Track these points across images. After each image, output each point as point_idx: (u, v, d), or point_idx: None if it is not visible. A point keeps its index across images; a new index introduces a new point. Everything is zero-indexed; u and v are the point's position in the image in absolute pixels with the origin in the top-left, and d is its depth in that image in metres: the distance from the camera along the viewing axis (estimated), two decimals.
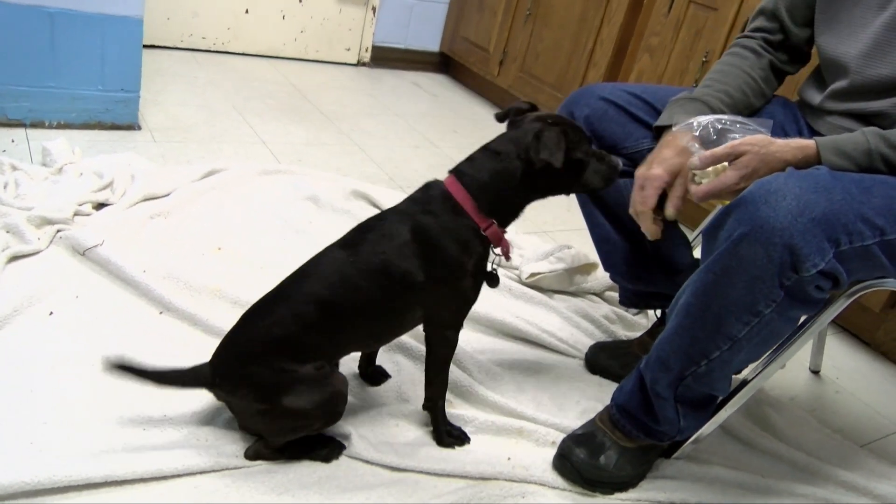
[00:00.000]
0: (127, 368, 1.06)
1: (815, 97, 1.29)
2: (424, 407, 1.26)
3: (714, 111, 1.23)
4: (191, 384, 1.11)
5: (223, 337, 1.12)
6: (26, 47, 1.97)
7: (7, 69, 1.98)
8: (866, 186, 0.99)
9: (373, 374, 1.38)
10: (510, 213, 1.16)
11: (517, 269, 1.85)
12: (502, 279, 1.78)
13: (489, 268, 1.19)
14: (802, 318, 1.19)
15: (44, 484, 0.99)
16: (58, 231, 1.56)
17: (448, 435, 1.26)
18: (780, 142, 1.06)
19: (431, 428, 1.27)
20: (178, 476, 1.08)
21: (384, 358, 1.41)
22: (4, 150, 1.92)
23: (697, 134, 1.13)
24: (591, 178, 1.15)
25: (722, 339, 1.05)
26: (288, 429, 1.11)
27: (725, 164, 1.07)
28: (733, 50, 1.36)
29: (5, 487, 0.97)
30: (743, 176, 1.04)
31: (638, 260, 1.46)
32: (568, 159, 1.08)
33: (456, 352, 1.44)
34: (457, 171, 1.13)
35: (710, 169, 1.08)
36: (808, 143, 1.06)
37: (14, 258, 1.46)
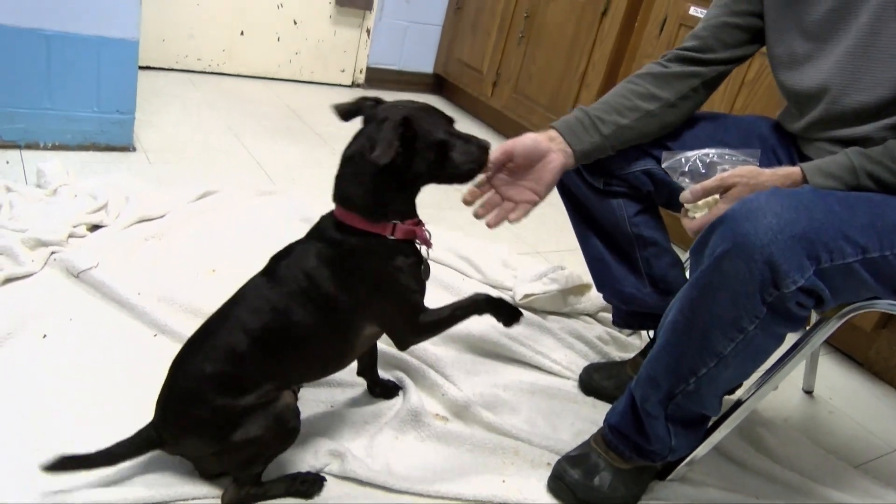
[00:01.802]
0: (68, 463, 0.99)
1: (796, 125, 1.31)
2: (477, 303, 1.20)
3: (590, 119, 1.27)
4: (139, 451, 1.05)
5: (158, 394, 1.07)
6: (22, 69, 1.99)
7: (2, 90, 1.99)
8: (850, 205, 1.01)
9: (384, 389, 1.39)
10: (403, 205, 1.11)
11: (511, 290, 1.86)
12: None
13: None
14: (794, 339, 1.20)
15: None
16: (52, 253, 1.56)
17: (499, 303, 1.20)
18: (768, 171, 1.09)
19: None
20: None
21: (385, 375, 1.42)
22: None
23: (686, 169, 1.15)
24: (457, 160, 1.08)
25: (708, 355, 1.06)
26: (246, 460, 1.06)
27: (717, 196, 1.10)
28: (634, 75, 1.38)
29: None
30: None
31: (630, 281, 1.47)
32: (417, 148, 1.04)
33: (450, 373, 1.45)
34: (334, 196, 1.10)
35: (702, 202, 1.10)
36: (793, 171, 1.09)
37: (8, 280, 1.47)
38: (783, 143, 1.35)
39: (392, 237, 1.08)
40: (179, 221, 1.81)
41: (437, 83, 3.85)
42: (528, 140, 1.23)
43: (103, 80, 2.11)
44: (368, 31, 3.53)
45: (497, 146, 1.19)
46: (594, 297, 1.83)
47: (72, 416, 1.18)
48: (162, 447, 1.06)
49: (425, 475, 1.22)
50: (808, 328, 1.24)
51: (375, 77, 3.66)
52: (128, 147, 2.21)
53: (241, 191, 2.05)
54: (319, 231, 1.11)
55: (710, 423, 1.25)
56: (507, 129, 3.37)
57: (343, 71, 3.59)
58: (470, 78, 3.47)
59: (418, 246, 1.14)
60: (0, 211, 1.69)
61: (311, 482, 1.15)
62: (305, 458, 1.19)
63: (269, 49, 3.35)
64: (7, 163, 1.98)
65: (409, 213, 1.12)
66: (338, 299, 1.07)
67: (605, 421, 1.27)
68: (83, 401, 1.21)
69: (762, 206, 0.97)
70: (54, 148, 2.10)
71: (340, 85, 3.62)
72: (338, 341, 1.12)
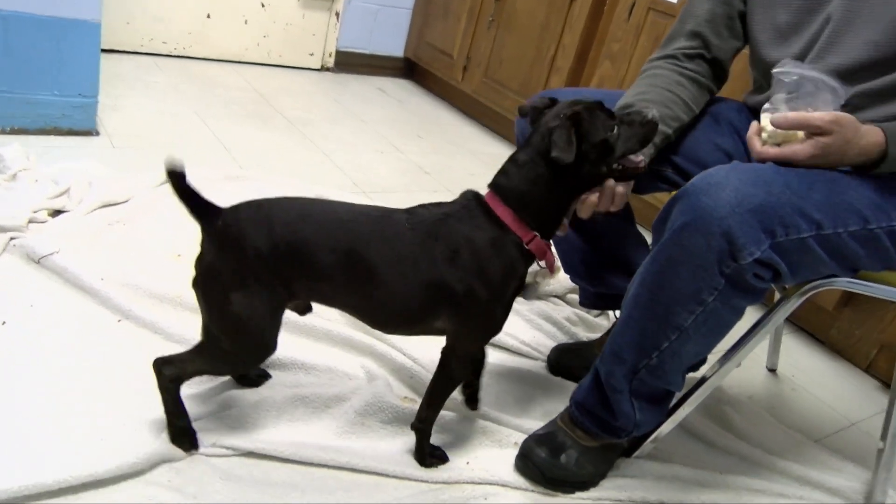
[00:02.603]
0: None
1: (761, 97, 1.32)
2: (413, 427, 1.22)
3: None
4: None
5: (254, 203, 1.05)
6: None
7: None
8: (809, 182, 1.02)
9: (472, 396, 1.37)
10: (552, 220, 1.10)
11: None
12: None
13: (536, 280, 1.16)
14: (757, 316, 1.22)
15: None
16: (11, 239, 1.53)
17: (431, 456, 1.23)
18: (863, 129, 1.03)
19: (414, 448, 1.23)
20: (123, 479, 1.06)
21: (355, 363, 1.41)
22: None
23: (793, 87, 1.05)
24: (624, 147, 1.07)
25: (670, 328, 1.08)
26: (209, 348, 1.07)
27: (801, 134, 1.03)
28: (651, 72, 1.33)
29: None
30: (815, 156, 1.02)
31: (596, 261, 1.48)
32: (589, 145, 1.03)
33: (418, 353, 1.46)
34: (494, 185, 1.08)
35: (783, 132, 1.03)
36: (877, 132, 1.04)
37: None
38: (746, 123, 1.35)
39: (527, 246, 1.07)
40: (144, 206, 1.79)
41: (407, 67, 3.82)
42: None
43: (65, 62, 2.06)
44: (338, 14, 3.49)
45: None
46: (562, 279, 1.85)
47: (33, 404, 1.16)
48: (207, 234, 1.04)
49: (391, 457, 1.23)
50: (770, 306, 1.26)
51: (345, 61, 3.63)
52: (91, 131, 2.17)
53: (208, 175, 2.03)
54: (469, 207, 1.07)
55: (675, 401, 1.28)
56: (479, 113, 3.37)
57: (312, 55, 3.55)
58: (440, 62, 3.46)
59: (539, 266, 1.13)
60: None
61: (190, 437, 1.14)
62: (259, 436, 1.19)
63: (236, 32, 3.30)
64: None
65: (551, 230, 1.11)
66: (447, 278, 1.04)
67: (571, 399, 1.28)
68: (45, 388, 1.19)
69: (721, 181, 0.98)
70: (14, 132, 2.05)
71: (310, 69, 3.58)
72: (410, 312, 1.08)
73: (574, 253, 1.49)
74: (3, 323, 1.31)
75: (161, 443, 1.11)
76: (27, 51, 1.99)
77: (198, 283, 1.04)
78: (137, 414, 1.18)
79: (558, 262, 1.13)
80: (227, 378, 1.31)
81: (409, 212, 1.08)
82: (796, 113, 1.02)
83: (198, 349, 1.09)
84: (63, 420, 1.14)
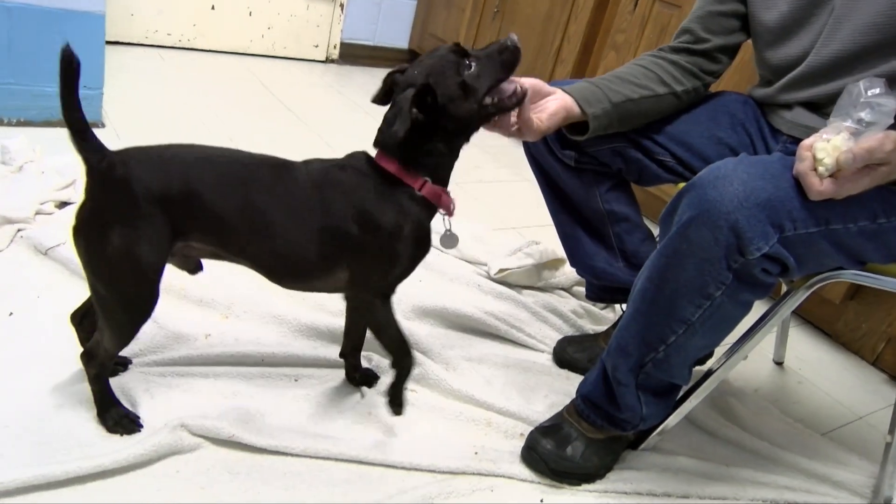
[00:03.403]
0: None
1: (767, 91, 1.31)
2: (392, 365, 1.22)
3: (599, 88, 1.25)
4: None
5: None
6: None
7: None
8: None
9: (363, 377, 1.37)
10: (442, 165, 1.12)
11: (486, 265, 1.86)
12: (470, 275, 1.80)
13: (444, 228, 1.17)
14: (763, 309, 1.22)
15: (6, 486, 0.98)
16: (18, 230, 1.53)
17: (401, 399, 1.23)
18: None
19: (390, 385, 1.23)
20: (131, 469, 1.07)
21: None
22: None
23: (860, 113, 0.96)
24: (489, 80, 1.07)
25: (676, 322, 1.07)
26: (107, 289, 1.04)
27: (845, 148, 0.93)
28: (633, 60, 1.36)
29: None
30: (873, 185, 0.97)
31: (602, 256, 1.48)
32: (447, 97, 1.05)
33: (425, 346, 1.46)
34: (376, 143, 1.11)
35: (834, 159, 0.94)
36: None
37: None
38: (752, 117, 1.36)
39: (419, 192, 1.09)
40: None
41: (411, 59, 3.79)
42: (534, 80, 1.21)
43: None
44: (342, 5, 3.48)
45: None
46: (568, 272, 1.84)
47: (39, 394, 1.16)
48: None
49: (398, 447, 1.23)
50: (777, 299, 1.26)
51: (349, 52, 3.62)
52: (96, 123, 2.17)
53: None
54: (357, 159, 1.11)
55: (681, 393, 1.27)
56: None
57: (317, 46, 3.54)
58: None
59: (440, 214, 1.14)
60: None
61: (128, 422, 1.14)
62: (266, 430, 1.19)
63: (240, 24, 3.29)
64: None
65: (443, 176, 1.13)
66: (340, 224, 1.06)
67: (577, 391, 1.28)
68: (51, 378, 1.19)
69: (729, 174, 0.97)
70: (19, 124, 2.06)
71: (314, 60, 3.57)
72: (308, 261, 1.08)
73: (579, 247, 1.49)
74: (10, 314, 1.31)
75: (168, 433, 1.11)
76: (32, 43, 1.99)
77: (77, 230, 1.00)
78: (145, 405, 1.18)
79: (454, 205, 1.14)
80: (233, 374, 1.31)
81: (306, 163, 1.11)
82: (860, 149, 0.92)
83: (99, 322, 1.08)
84: (69, 411, 1.14)
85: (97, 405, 1.14)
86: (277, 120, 2.65)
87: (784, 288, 1.45)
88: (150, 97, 2.56)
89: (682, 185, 1.33)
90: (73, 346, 1.27)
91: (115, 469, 1.05)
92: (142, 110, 2.41)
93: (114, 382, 1.17)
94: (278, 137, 2.48)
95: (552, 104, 1.21)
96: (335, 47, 3.58)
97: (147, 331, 1.37)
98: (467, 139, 1.13)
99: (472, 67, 1.06)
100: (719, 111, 1.35)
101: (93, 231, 1.00)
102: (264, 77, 3.13)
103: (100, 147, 0.99)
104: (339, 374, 1.37)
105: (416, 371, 1.41)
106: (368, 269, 1.11)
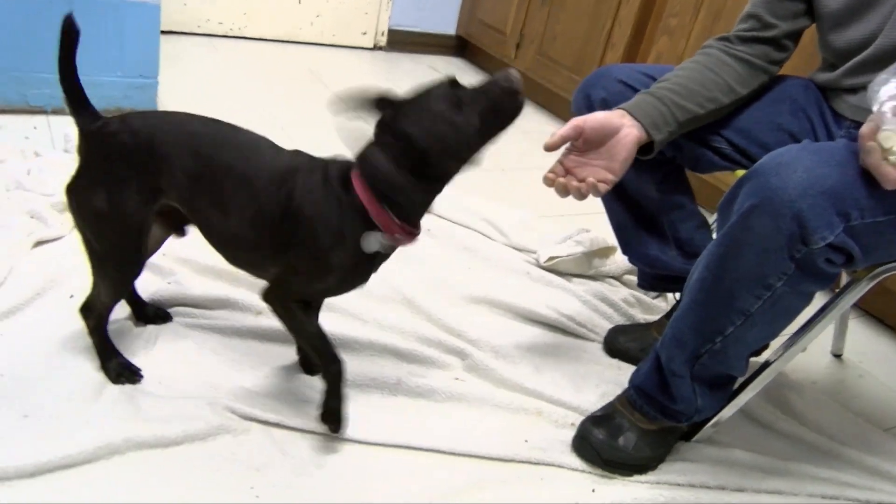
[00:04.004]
0: None
1: (830, 76, 1.27)
2: (322, 374, 1.17)
3: (666, 106, 1.19)
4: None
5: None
6: (46, 34, 1.94)
7: (28, 56, 1.99)
8: None
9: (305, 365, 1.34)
10: (417, 205, 1.05)
11: (535, 252, 1.85)
12: (519, 263, 1.79)
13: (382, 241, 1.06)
14: (823, 300, 1.18)
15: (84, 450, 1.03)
16: None
17: (341, 418, 1.16)
18: None
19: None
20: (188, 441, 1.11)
21: (405, 345, 1.42)
22: (27, 137, 1.94)
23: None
24: (471, 140, 1.00)
25: (735, 313, 1.05)
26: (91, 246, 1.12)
27: None
28: (701, 52, 1.30)
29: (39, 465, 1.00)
30: None
31: (656, 244, 1.45)
32: (431, 157, 0.99)
33: (474, 334, 1.45)
34: (357, 158, 1.06)
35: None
36: None
37: (38, 243, 1.49)
38: (813, 102, 1.31)
39: (373, 218, 1.02)
40: None
41: (459, 45, 3.79)
42: (599, 116, 1.15)
43: (126, 44, 2.10)
44: None
45: (566, 124, 1.13)
46: (619, 260, 1.82)
47: (96, 373, 1.20)
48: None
49: (446, 433, 1.23)
50: (838, 290, 1.22)
51: (397, 39, 3.62)
52: None
53: None
54: (329, 167, 1.07)
55: (737, 385, 1.25)
56: (531, 91, 3.32)
57: (364, 33, 3.55)
58: (493, 39, 3.41)
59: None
60: (29, 175, 1.70)
61: (130, 373, 1.20)
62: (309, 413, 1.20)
63: (289, 12, 3.32)
64: (35, 128, 1.99)
65: (415, 217, 1.06)
66: (285, 222, 1.04)
67: (629, 382, 1.26)
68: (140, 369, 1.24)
69: (792, 161, 0.94)
70: None
71: (362, 48, 3.58)
72: (251, 246, 1.09)
73: (632, 235, 1.47)
74: (72, 296, 1.35)
75: (217, 414, 1.15)
76: (91, 33, 2.02)
77: (69, 188, 1.08)
78: (205, 379, 1.22)
79: (406, 243, 1.06)
80: (287, 361, 1.33)
81: (295, 153, 1.12)
82: None
83: (93, 276, 1.15)
84: (132, 388, 1.19)
85: (99, 356, 1.21)
86: (326, 107, 2.67)
87: (845, 279, 1.41)
88: (204, 85, 2.60)
89: (739, 172, 1.30)
90: (127, 324, 1.32)
91: (175, 439, 1.09)
92: (196, 99, 2.45)
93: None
94: (328, 125, 2.49)
95: (622, 151, 1.14)
96: (383, 34, 3.59)
97: (200, 294, 1.43)
98: (438, 190, 1.06)
99: (466, 113, 0.99)
100: (780, 97, 1.31)
101: (82, 188, 1.08)
102: (313, 65, 3.15)
103: (94, 112, 1.08)
104: (381, 354, 1.38)
105: (462, 360, 1.41)
106: (293, 272, 1.08)
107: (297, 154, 1.12)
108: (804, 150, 0.97)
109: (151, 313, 1.36)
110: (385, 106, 1.06)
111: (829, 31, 1.24)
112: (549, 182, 1.14)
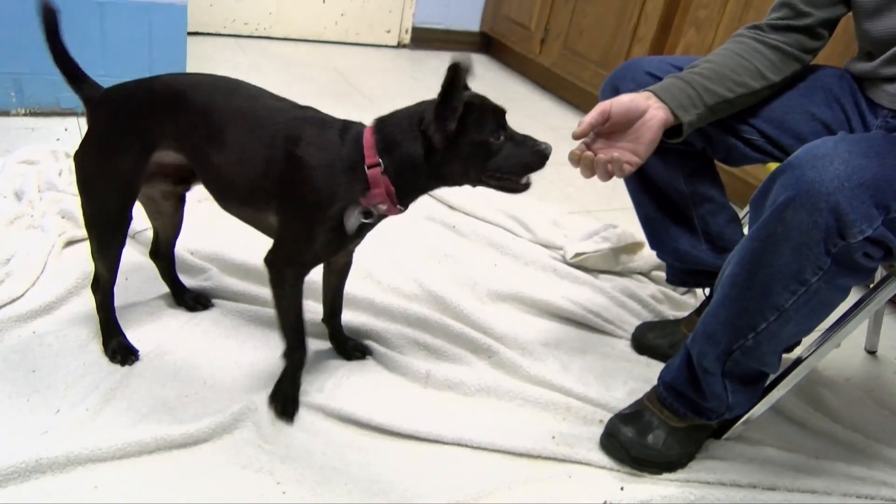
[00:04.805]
0: None
1: (868, 65, 1.24)
2: (282, 354, 1.20)
3: (695, 89, 1.17)
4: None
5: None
6: (77, 37, 1.98)
7: None
8: None
9: (354, 349, 1.36)
10: (414, 187, 1.08)
11: (562, 249, 1.84)
12: (546, 259, 1.78)
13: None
14: (858, 295, 1.16)
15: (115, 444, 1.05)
16: None
17: (290, 403, 1.19)
18: None
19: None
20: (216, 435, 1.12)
21: (433, 342, 1.42)
22: (59, 139, 1.97)
23: None
24: (504, 163, 1.05)
25: (769, 309, 1.03)
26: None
27: None
28: (732, 40, 1.28)
29: (60, 457, 1.01)
30: None
31: (686, 238, 1.44)
32: (468, 139, 1.02)
33: (500, 331, 1.45)
34: (377, 120, 1.08)
35: None
36: None
37: (70, 242, 1.51)
38: (848, 92, 1.28)
39: (371, 191, 1.04)
40: None
41: (483, 42, 3.78)
42: (624, 98, 1.14)
43: (155, 45, 2.13)
44: None
45: (593, 110, 1.12)
46: (647, 256, 1.80)
47: (129, 370, 1.22)
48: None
49: (474, 428, 1.23)
50: (873, 285, 1.19)
51: (421, 37, 3.62)
52: None
53: None
54: (345, 129, 1.09)
55: (769, 382, 1.23)
56: (557, 87, 3.30)
57: (389, 31, 3.56)
58: (518, 35, 3.40)
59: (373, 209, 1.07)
60: (60, 176, 1.74)
61: (126, 353, 1.23)
62: (348, 401, 1.21)
63: (314, 11, 3.34)
64: (66, 130, 2.03)
65: (406, 199, 1.08)
66: (285, 170, 1.05)
67: (659, 379, 1.25)
68: (139, 354, 1.26)
69: (829, 153, 0.92)
70: None
71: (387, 46, 3.59)
72: (244, 189, 1.10)
73: (661, 230, 1.45)
74: None
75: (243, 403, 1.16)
76: (121, 35, 2.07)
77: (75, 155, 1.13)
78: (231, 365, 1.23)
79: (388, 209, 1.08)
80: (322, 347, 1.34)
81: (303, 107, 1.15)
82: None
83: (91, 250, 1.20)
84: (155, 378, 1.21)
85: (102, 332, 1.25)
86: (352, 106, 2.68)
87: (880, 274, 1.38)
88: None
89: (771, 166, 1.27)
90: (158, 322, 1.33)
91: (201, 434, 1.11)
92: None
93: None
94: None
95: (647, 133, 1.13)
96: (407, 32, 3.59)
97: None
98: (437, 185, 1.10)
99: (501, 138, 1.04)
100: (813, 86, 1.28)
101: (82, 152, 1.12)
102: (339, 63, 3.17)
103: (93, 83, 1.13)
104: (410, 347, 1.39)
105: (489, 359, 1.40)
106: (284, 226, 1.09)
107: (315, 110, 1.14)
108: (841, 142, 0.95)
109: (191, 299, 1.41)
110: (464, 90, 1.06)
111: (865, 20, 1.21)
112: (574, 158, 1.13)
